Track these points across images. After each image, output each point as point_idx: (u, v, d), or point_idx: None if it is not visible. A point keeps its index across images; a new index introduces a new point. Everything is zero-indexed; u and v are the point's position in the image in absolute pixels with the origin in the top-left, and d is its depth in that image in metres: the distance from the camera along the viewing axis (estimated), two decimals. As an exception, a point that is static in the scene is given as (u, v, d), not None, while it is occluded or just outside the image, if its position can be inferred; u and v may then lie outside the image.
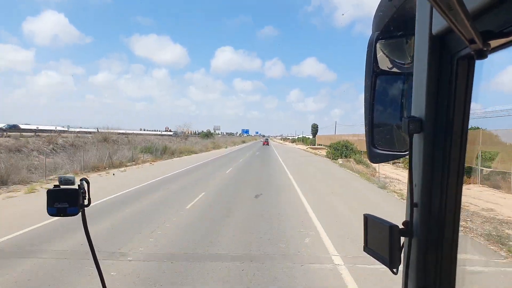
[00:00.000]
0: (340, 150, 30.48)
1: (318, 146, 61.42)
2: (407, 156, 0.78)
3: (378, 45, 0.99)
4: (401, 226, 0.75)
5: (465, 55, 0.64)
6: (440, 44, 0.68)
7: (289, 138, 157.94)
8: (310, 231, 7.21)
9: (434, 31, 0.68)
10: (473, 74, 0.67)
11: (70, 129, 37.37)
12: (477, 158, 15.05)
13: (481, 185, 14.62)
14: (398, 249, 0.73)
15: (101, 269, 1.17)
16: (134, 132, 51.35)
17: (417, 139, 0.73)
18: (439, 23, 0.65)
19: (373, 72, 1.00)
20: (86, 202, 1.06)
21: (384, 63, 1.01)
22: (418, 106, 0.73)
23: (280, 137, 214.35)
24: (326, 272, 5.09)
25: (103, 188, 12.45)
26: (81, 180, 1.07)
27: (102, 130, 32.64)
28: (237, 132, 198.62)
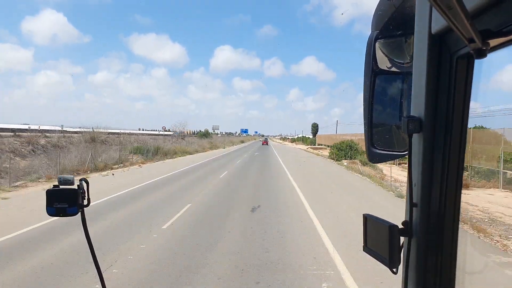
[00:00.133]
0: (344, 151, 28.76)
1: (319, 146, 60.43)
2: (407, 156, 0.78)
3: (377, 44, 0.99)
4: (400, 226, 0.75)
5: (465, 54, 0.64)
6: (440, 43, 0.68)
7: (288, 138, 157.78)
8: (328, 269, 5.12)
9: (433, 30, 0.67)
10: (473, 73, 0.67)
11: (64, 129, 35.29)
12: (499, 160, 13.88)
13: (504, 190, 13.11)
14: (398, 249, 0.73)
15: (101, 270, 1.17)
16: (130, 131, 49.81)
17: (416, 139, 0.73)
18: (439, 22, 0.65)
19: (372, 72, 1.00)
20: (85, 202, 1.06)
21: (383, 62, 1.01)
22: (417, 106, 0.73)
23: (279, 137, 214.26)
24: None
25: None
26: (80, 180, 1.07)
27: (92, 130, 30.29)
28: (236, 132, 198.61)
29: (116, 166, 20.59)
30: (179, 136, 51.11)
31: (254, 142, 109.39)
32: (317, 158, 33.28)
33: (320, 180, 16.31)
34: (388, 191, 13.20)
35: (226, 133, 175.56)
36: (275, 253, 5.70)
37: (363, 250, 0.82)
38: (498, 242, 6.66)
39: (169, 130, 53.59)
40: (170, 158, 28.54)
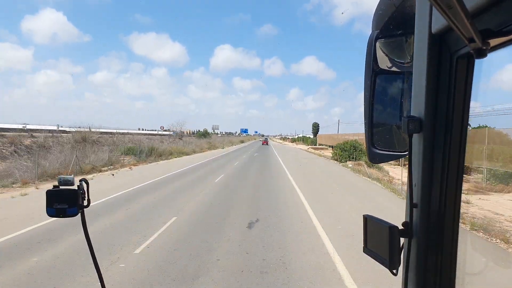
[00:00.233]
0: (348, 151, 26.99)
1: (320, 146, 59.19)
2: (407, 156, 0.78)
3: (377, 44, 0.99)
4: (400, 227, 0.75)
5: (465, 54, 0.64)
6: (440, 43, 0.68)
7: (288, 138, 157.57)
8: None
9: (433, 30, 0.67)
10: (473, 73, 0.66)
11: (64, 128, 33.05)
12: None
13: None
14: (398, 250, 0.72)
15: (100, 270, 1.17)
16: (127, 131, 48.25)
17: (416, 139, 0.73)
18: (439, 22, 0.65)
19: (373, 71, 1.00)
20: (85, 203, 1.06)
21: (384, 62, 1.01)
22: (417, 106, 0.73)
23: (279, 137, 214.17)
24: None
25: (7, 217, 7.87)
26: (80, 180, 1.07)
27: (84, 129, 28.86)
28: (236, 132, 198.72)
29: (105, 168, 18.87)
30: (177, 136, 49.89)
31: (254, 142, 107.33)
32: (320, 159, 31.21)
33: (327, 186, 14.08)
34: (400, 197, 11.45)
35: (226, 132, 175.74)
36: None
37: (363, 251, 0.81)
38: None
39: (168, 130, 52.21)
40: (165, 159, 26.96)
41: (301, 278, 4.75)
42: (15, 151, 19.49)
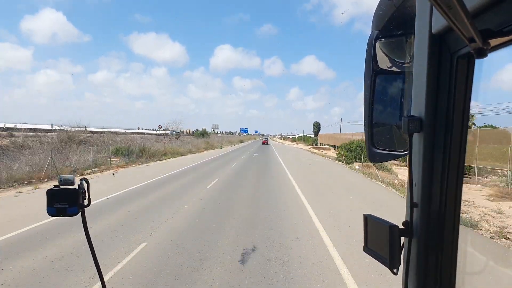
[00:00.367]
0: (354, 152, 25.26)
1: (322, 146, 58.01)
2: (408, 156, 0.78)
3: (377, 44, 0.99)
4: (401, 226, 0.75)
5: (465, 54, 0.64)
6: (440, 43, 0.68)
7: (289, 137, 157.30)
8: None
9: (434, 30, 0.67)
10: (473, 73, 0.67)
11: (55, 127, 31.33)
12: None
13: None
14: (398, 249, 0.73)
15: (101, 269, 1.17)
16: (124, 130, 46.40)
17: (416, 138, 0.73)
18: (439, 22, 0.65)
19: (373, 71, 1.00)
20: (86, 202, 1.06)
21: (384, 62, 1.01)
22: (417, 105, 0.73)
23: (279, 136, 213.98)
24: None
25: None
26: (80, 180, 1.07)
27: (77, 128, 27.08)
28: (236, 131, 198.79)
29: (89, 171, 17.08)
30: (174, 136, 47.97)
31: (254, 141, 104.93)
32: (324, 161, 28.61)
33: (341, 196, 11.45)
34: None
35: (226, 132, 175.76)
36: None
37: (363, 251, 0.82)
38: None
39: (168, 129, 50.91)
40: (157, 161, 25.06)
41: None
42: (-13, 152, 17.05)
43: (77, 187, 1.04)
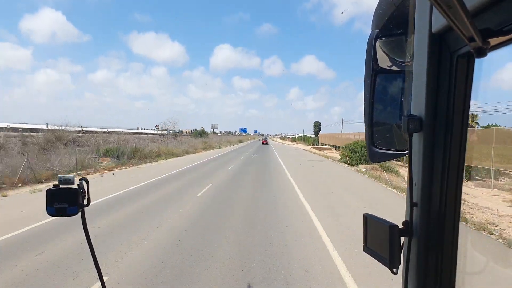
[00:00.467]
0: (359, 153, 23.82)
1: (322, 146, 56.56)
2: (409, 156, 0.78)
3: (377, 43, 0.99)
4: (401, 226, 0.75)
5: (465, 53, 0.64)
6: (440, 42, 0.68)
7: (289, 137, 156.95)
8: None
9: (433, 29, 0.67)
10: (473, 72, 0.66)
11: (50, 127, 29.15)
12: None
13: None
14: (398, 249, 0.72)
15: (101, 269, 1.17)
16: (121, 130, 45.02)
17: (416, 138, 0.73)
18: (439, 21, 0.65)
19: (373, 71, 1.00)
20: (85, 202, 1.06)
21: (384, 61, 1.01)
22: (417, 105, 0.73)
23: (279, 136, 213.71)
24: None
25: None
26: (80, 179, 1.07)
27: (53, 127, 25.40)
28: (235, 131, 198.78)
29: (73, 174, 14.81)
30: (171, 135, 46.41)
31: (253, 141, 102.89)
32: (327, 162, 27.12)
33: (354, 210, 9.27)
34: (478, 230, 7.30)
35: (225, 132, 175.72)
36: None
37: (363, 250, 0.81)
38: None
39: (167, 129, 49.95)
40: (150, 162, 23.39)
41: None
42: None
43: (76, 187, 1.04)
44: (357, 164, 22.69)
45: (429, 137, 0.71)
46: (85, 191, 1.06)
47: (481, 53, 0.56)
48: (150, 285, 4.31)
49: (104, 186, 12.48)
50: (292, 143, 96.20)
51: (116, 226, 7.20)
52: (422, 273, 0.74)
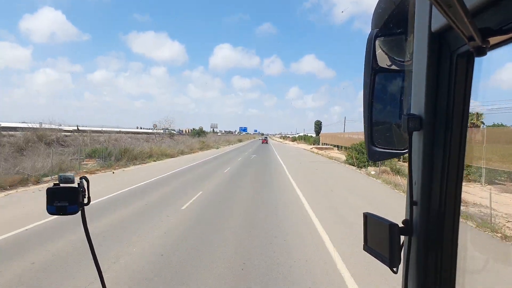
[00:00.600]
0: (366, 154, 22.36)
1: (324, 146, 55.43)
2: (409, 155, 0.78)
3: (377, 42, 0.99)
4: (401, 225, 0.75)
5: (464, 52, 0.64)
6: (439, 41, 0.68)
7: (289, 136, 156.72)
8: None
9: (433, 28, 0.67)
10: (473, 71, 0.67)
11: (44, 126, 26.60)
12: None
13: None
14: (398, 248, 0.73)
15: (101, 269, 1.17)
16: (119, 129, 43.48)
17: (416, 136, 0.73)
18: (438, 20, 0.65)
19: (372, 70, 1.00)
20: (85, 200, 1.06)
21: (383, 60, 1.01)
22: (417, 104, 0.73)
23: (279, 135, 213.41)
24: None
25: None
26: (80, 178, 1.07)
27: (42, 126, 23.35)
28: (235, 130, 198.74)
29: (48, 178, 13.74)
30: (167, 135, 44.77)
31: (253, 141, 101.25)
32: (333, 165, 24.93)
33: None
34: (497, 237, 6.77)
35: (225, 131, 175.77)
36: None
37: (363, 249, 0.82)
38: None
39: (167, 129, 48.80)
40: (139, 164, 21.72)
41: None
42: None
43: (77, 186, 1.04)
44: (364, 166, 21.19)
45: (429, 135, 0.71)
46: (85, 190, 1.06)
47: (481, 52, 0.56)
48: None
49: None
50: (292, 142, 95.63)
51: (106, 236, 5.64)
52: (422, 272, 0.74)
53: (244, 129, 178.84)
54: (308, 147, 58.36)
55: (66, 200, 1.02)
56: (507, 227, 7.47)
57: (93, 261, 1.14)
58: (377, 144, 1.03)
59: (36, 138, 20.67)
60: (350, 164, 23.65)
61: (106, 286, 1.20)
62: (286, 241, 6.25)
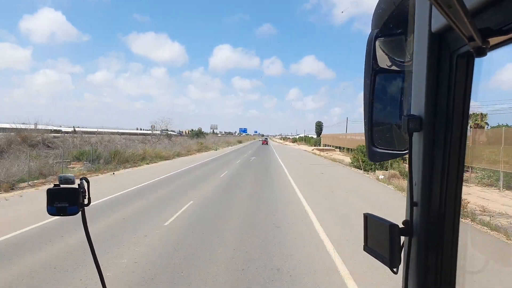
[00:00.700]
0: None
1: (325, 147, 54.73)
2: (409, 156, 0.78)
3: (377, 42, 0.99)
4: (401, 225, 0.75)
5: (465, 52, 0.64)
6: (440, 42, 0.68)
7: (289, 138, 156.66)
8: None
9: (433, 29, 0.67)
10: (473, 72, 0.67)
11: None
12: None
13: None
14: (398, 249, 0.72)
15: (101, 269, 1.17)
16: (117, 130, 43.29)
17: (416, 137, 0.73)
18: (438, 20, 0.65)
19: (372, 70, 1.00)
20: (86, 201, 1.06)
21: (384, 61, 1.01)
22: (417, 104, 0.73)
23: (279, 137, 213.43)
24: None
25: None
26: (81, 179, 1.07)
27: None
28: (235, 131, 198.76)
29: (24, 184, 12.39)
30: (164, 136, 43.62)
31: (253, 142, 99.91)
32: (337, 167, 23.69)
33: None
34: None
35: (225, 132, 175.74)
36: None
37: (364, 250, 0.81)
38: None
39: (166, 130, 48.05)
40: (130, 167, 20.39)
41: None
42: None
43: (77, 186, 1.04)
44: (371, 169, 20.01)
45: (429, 136, 0.71)
46: (85, 191, 1.06)
47: (481, 52, 0.56)
48: None
49: (30, 210, 8.46)
50: (292, 143, 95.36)
51: (59, 268, 4.67)
52: (422, 272, 0.74)
53: (244, 130, 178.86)
54: (309, 148, 57.97)
55: (66, 201, 1.02)
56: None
57: (93, 261, 1.14)
58: (377, 145, 1.03)
59: (20, 140, 19.40)
60: (356, 167, 22.37)
61: (106, 286, 1.20)
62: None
